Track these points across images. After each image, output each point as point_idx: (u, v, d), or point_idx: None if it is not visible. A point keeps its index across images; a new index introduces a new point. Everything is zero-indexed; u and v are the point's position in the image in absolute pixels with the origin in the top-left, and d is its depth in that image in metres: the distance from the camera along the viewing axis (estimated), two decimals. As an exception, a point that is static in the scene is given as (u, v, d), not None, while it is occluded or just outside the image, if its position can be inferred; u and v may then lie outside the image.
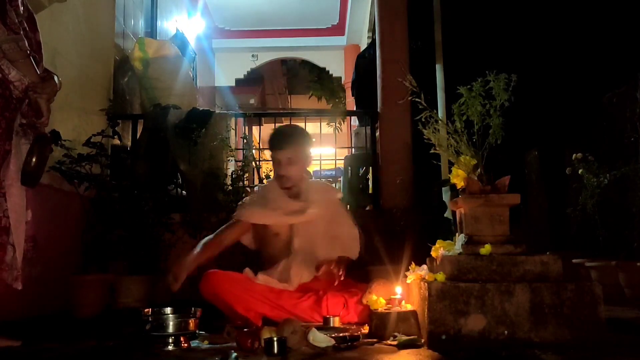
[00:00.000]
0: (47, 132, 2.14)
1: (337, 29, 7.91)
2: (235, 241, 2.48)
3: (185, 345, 1.81)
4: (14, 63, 1.86)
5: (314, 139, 2.62)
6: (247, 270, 2.33)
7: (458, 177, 1.94)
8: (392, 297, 1.99)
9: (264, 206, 2.46)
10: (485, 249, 1.81)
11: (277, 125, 4.59)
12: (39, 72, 1.97)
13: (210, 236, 2.42)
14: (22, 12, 1.95)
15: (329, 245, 2.44)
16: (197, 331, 1.91)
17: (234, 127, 4.34)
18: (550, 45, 4.20)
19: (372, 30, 6.27)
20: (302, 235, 2.43)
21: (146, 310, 1.91)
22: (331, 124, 7.41)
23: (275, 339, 1.63)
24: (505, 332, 1.66)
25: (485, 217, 1.87)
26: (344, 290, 2.31)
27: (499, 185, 1.89)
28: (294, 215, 2.42)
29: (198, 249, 2.31)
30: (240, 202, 2.59)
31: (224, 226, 2.49)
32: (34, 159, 1.93)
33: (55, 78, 2.04)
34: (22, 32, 1.89)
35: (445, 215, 3.59)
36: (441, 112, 4.11)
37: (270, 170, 4.10)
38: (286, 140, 2.45)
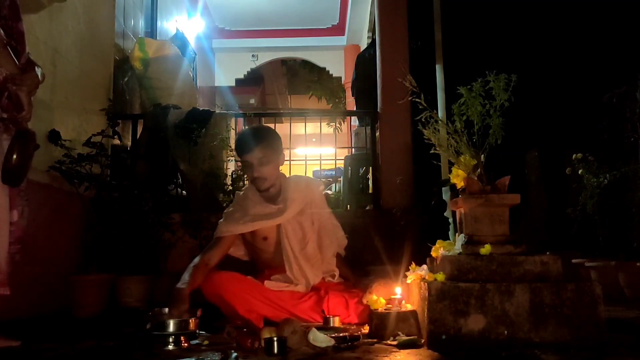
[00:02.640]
0: (31, 128, 1.99)
1: (337, 29, 7.91)
2: (222, 258, 2.38)
3: (186, 344, 1.81)
4: None
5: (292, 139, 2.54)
6: (267, 282, 2.31)
7: (458, 177, 1.94)
8: (392, 297, 1.99)
9: (243, 215, 2.40)
10: (485, 249, 1.81)
11: (278, 125, 4.61)
12: (19, 63, 1.86)
13: (197, 259, 2.29)
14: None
15: (318, 240, 2.45)
16: (197, 331, 1.91)
17: (234, 127, 4.34)
18: (551, 45, 4.21)
19: (372, 30, 6.27)
20: (292, 234, 2.40)
21: (146, 310, 1.91)
22: (331, 124, 7.41)
23: (275, 339, 1.64)
24: (505, 332, 1.66)
25: (485, 217, 1.88)
26: (344, 291, 2.31)
27: (499, 185, 1.89)
28: (272, 218, 2.39)
29: (187, 276, 2.17)
30: (221, 219, 2.49)
31: (207, 247, 2.39)
32: (14, 156, 1.81)
33: (38, 70, 1.93)
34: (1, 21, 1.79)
35: (445, 215, 3.59)
36: (441, 112, 4.11)
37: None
38: (252, 142, 2.37)
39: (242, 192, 2.58)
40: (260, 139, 2.37)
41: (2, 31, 1.78)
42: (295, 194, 2.43)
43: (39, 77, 1.93)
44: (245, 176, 3.86)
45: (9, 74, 1.82)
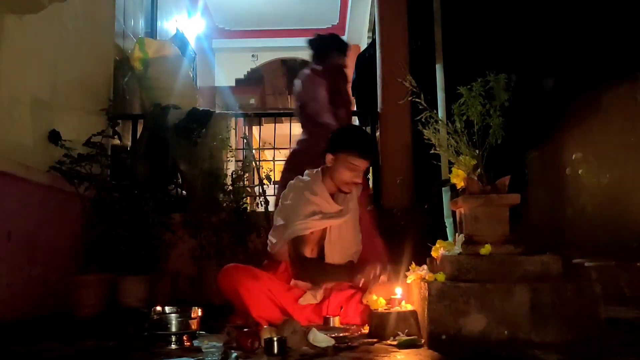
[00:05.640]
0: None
1: (337, 29, 7.90)
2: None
3: (188, 344, 1.82)
4: None
5: None
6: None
7: (458, 177, 1.94)
8: (392, 297, 1.99)
9: (305, 210, 2.33)
10: (485, 249, 1.81)
11: (278, 125, 4.61)
12: None
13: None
14: None
15: (350, 245, 2.45)
16: (197, 331, 1.91)
17: (234, 127, 4.34)
18: (550, 45, 4.21)
19: (372, 30, 6.27)
20: (334, 234, 2.40)
21: (147, 309, 1.91)
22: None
23: (275, 339, 1.64)
24: (506, 332, 1.66)
25: (485, 217, 1.87)
26: (344, 290, 2.30)
27: (499, 185, 1.89)
28: (332, 219, 2.37)
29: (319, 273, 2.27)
30: (279, 209, 2.42)
31: (294, 252, 2.31)
32: None
33: None
34: None
35: (445, 215, 3.59)
36: (441, 112, 4.09)
37: (270, 170, 4.12)
38: (373, 149, 2.40)
39: (303, 183, 2.43)
40: (375, 147, 2.34)
41: None
42: (350, 198, 2.45)
43: None
44: (246, 175, 3.86)
45: None
